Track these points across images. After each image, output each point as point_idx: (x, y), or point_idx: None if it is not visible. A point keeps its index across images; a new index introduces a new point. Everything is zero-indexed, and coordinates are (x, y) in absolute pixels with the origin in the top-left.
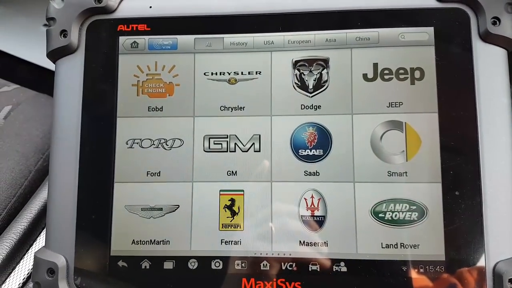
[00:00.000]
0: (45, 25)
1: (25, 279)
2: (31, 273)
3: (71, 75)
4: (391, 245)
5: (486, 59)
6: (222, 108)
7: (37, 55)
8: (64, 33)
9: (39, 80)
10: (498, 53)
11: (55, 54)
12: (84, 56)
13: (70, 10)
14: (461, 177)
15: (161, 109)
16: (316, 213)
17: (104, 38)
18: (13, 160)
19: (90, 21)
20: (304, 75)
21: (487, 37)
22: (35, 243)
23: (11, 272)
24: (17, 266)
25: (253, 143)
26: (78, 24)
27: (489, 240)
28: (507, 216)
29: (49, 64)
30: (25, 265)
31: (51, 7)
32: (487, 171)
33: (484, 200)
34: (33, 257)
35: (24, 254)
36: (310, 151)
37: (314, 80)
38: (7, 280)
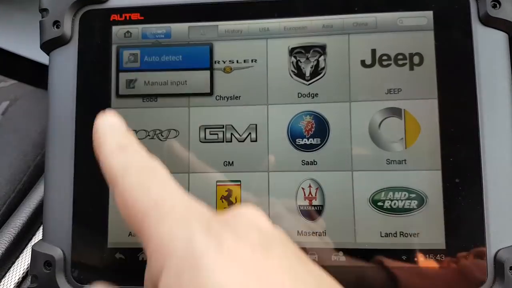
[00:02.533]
0: None
1: (24, 273)
2: None
3: (64, 66)
4: (390, 234)
5: (487, 43)
6: (217, 97)
7: (35, 51)
8: (57, 24)
9: (38, 76)
10: (499, 37)
11: (48, 46)
12: (78, 46)
13: (63, 0)
14: (462, 164)
15: (155, 99)
16: (314, 202)
17: (97, 28)
18: (12, 155)
19: (83, 11)
20: (300, 62)
21: (488, 21)
22: (34, 237)
23: (10, 267)
24: (16, 261)
25: (250, 133)
26: (71, 15)
27: (490, 227)
28: (508, 204)
29: (47, 60)
30: (24, 260)
31: None
32: (488, 158)
33: (485, 187)
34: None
35: (24, 249)
36: (308, 140)
37: (311, 68)
38: (7, 275)
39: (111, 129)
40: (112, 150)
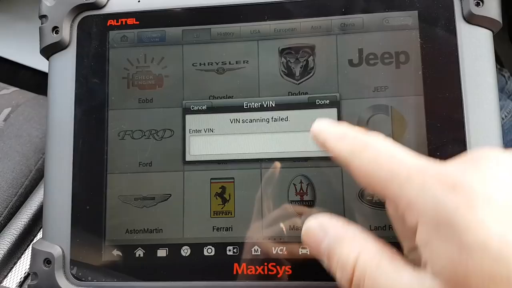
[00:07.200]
0: None
1: (26, 273)
2: None
3: (63, 70)
4: (380, 227)
5: (471, 40)
6: (211, 97)
7: (37, 60)
8: (56, 29)
9: (39, 84)
10: (483, 34)
11: (48, 51)
12: (76, 51)
13: (61, 7)
14: (448, 158)
15: (151, 101)
16: (305, 198)
17: (94, 33)
18: (14, 160)
19: (81, 17)
20: (290, 62)
21: (471, 19)
22: (35, 238)
23: (12, 267)
24: (18, 261)
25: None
26: (69, 21)
27: None
28: None
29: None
30: (26, 260)
31: (43, 5)
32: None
33: None
34: None
35: (25, 249)
36: None
37: (300, 68)
38: (9, 275)
39: (329, 126)
40: (336, 139)
